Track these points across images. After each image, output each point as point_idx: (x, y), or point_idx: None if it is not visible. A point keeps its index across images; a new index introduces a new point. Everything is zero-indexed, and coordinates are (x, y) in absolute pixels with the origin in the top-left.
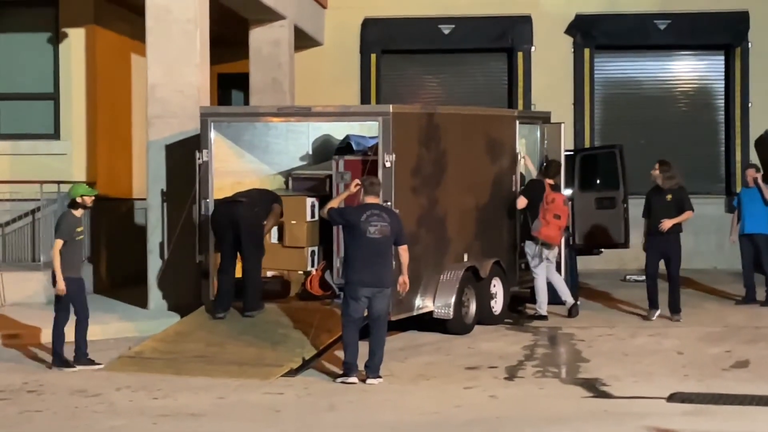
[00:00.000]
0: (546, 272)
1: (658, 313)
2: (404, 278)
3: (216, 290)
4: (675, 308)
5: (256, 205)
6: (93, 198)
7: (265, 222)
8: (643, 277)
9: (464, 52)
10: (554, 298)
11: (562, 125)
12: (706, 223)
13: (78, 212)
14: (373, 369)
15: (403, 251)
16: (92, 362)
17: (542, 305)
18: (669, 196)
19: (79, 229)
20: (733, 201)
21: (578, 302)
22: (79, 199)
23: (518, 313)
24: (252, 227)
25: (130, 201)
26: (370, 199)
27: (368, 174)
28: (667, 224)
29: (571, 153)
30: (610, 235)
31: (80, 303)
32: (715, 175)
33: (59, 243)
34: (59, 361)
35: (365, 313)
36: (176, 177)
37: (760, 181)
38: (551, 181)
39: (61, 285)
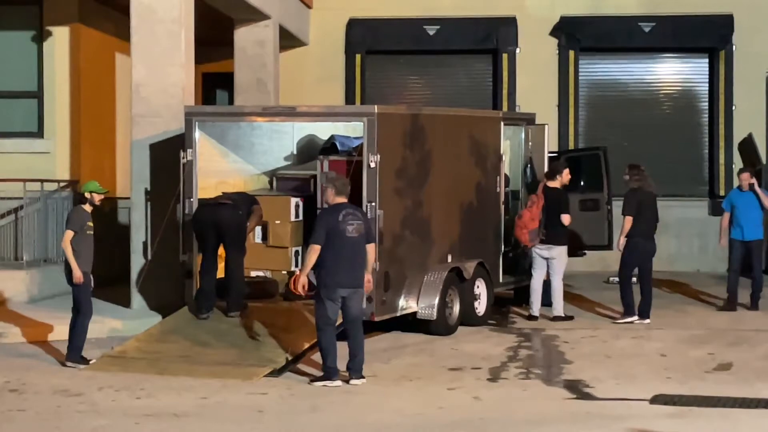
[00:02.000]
0: (551, 274)
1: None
2: (369, 276)
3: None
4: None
5: (240, 208)
6: (102, 196)
7: (248, 224)
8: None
9: (449, 53)
10: (545, 299)
11: (546, 127)
12: (689, 226)
13: (87, 207)
14: (355, 370)
15: (371, 249)
16: (85, 360)
17: (533, 305)
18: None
19: (89, 224)
20: (723, 203)
21: (563, 315)
22: (87, 195)
23: (502, 315)
24: (237, 229)
25: (113, 200)
26: (341, 199)
27: (352, 175)
28: (620, 244)
29: (556, 155)
30: (594, 237)
31: (86, 298)
32: (698, 177)
33: (70, 234)
34: (77, 357)
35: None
36: (160, 176)
37: (757, 186)
38: (554, 184)
39: (78, 273)
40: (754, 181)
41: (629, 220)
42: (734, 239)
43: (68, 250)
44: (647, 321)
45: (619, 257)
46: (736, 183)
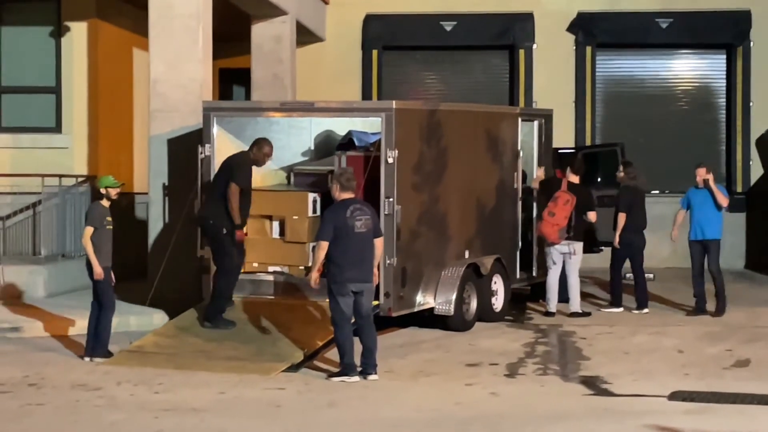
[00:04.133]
0: (567, 270)
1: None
2: (375, 270)
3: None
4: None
5: (210, 214)
6: (118, 190)
7: (225, 230)
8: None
9: (466, 49)
10: (562, 295)
11: (535, 123)
12: None
13: (105, 203)
14: (372, 365)
15: (380, 243)
16: (110, 354)
17: (550, 302)
18: None
19: (108, 218)
20: (681, 201)
21: (580, 311)
22: (103, 191)
23: (519, 311)
24: (211, 241)
25: (130, 195)
26: (347, 195)
27: (370, 170)
28: (616, 240)
29: (573, 150)
30: (611, 233)
31: (107, 292)
32: (715, 174)
33: (89, 230)
34: (103, 352)
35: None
36: (178, 171)
37: (712, 183)
38: (577, 179)
39: (98, 269)
40: (709, 176)
41: (623, 216)
42: (693, 241)
43: (89, 246)
44: (646, 311)
45: None
46: (753, 179)
